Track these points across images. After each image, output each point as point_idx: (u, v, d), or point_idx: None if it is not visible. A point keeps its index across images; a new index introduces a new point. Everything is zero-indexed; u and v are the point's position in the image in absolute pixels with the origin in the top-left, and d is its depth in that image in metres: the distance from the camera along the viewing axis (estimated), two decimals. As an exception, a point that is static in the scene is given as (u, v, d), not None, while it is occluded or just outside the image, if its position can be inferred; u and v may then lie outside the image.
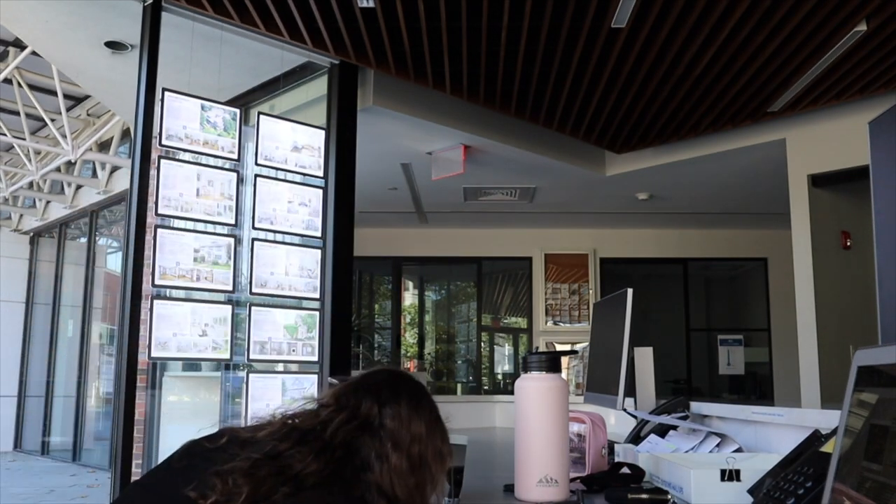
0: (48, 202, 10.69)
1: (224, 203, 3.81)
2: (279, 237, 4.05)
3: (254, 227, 3.95)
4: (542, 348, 8.11)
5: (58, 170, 9.38)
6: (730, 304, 10.04)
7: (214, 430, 1.08)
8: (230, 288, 3.81)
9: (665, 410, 2.20)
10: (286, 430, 1.01)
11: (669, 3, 3.66)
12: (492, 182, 6.75)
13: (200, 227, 3.77)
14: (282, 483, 0.92)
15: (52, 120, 8.11)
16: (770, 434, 1.75)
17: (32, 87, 7.71)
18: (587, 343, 3.13)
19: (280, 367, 4.13)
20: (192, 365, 5.11)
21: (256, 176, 3.98)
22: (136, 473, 3.75)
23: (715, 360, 9.01)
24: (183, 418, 5.29)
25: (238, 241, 3.88)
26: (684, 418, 2.12)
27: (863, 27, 3.84)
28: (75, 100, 8.44)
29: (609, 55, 4.24)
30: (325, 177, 4.22)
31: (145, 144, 3.66)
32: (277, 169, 4.05)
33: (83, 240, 10.44)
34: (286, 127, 4.12)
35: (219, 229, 3.80)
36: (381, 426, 1.02)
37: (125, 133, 8.22)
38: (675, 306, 9.12)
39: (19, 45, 6.92)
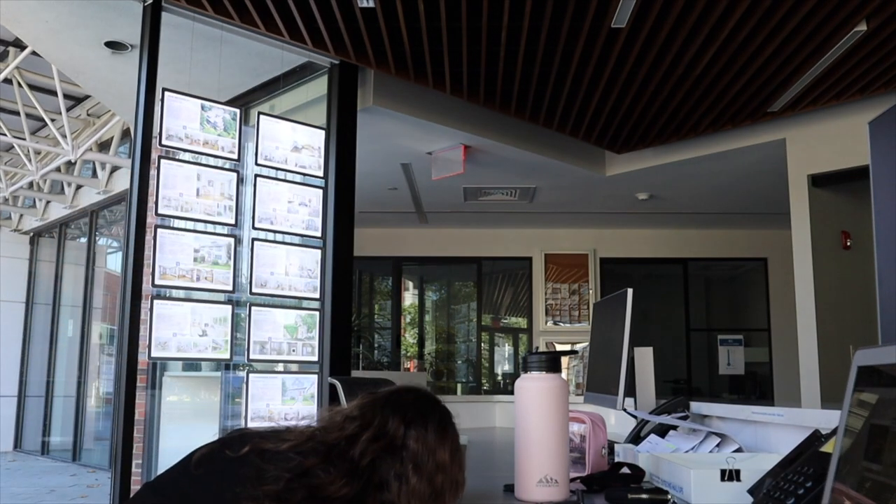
0: (48, 202, 10.69)
1: (224, 203, 3.81)
2: (279, 237, 4.05)
3: (254, 227, 3.95)
4: (542, 348, 8.11)
5: (58, 170, 9.38)
6: (730, 304, 10.04)
7: (230, 428, 1.07)
8: (230, 288, 3.81)
9: (665, 410, 2.20)
10: (311, 443, 0.99)
11: (669, 3, 3.66)
12: (492, 182, 6.75)
13: (200, 227, 3.77)
14: None
15: (52, 120, 8.11)
16: (770, 434, 1.74)
17: (32, 87, 7.71)
18: (587, 343, 3.13)
19: (280, 367, 4.13)
20: (192, 365, 5.11)
21: (256, 176, 3.97)
22: (136, 473, 3.75)
23: (715, 360, 9.01)
24: (183, 418, 5.29)
25: (238, 241, 3.88)
26: (684, 418, 2.12)
27: (863, 27, 3.84)
28: (75, 100, 8.44)
29: (609, 55, 4.23)
30: (325, 177, 4.22)
31: (145, 144, 3.66)
32: (277, 169, 4.05)
33: (83, 240, 10.44)
34: (286, 127, 4.12)
35: (219, 229, 3.80)
36: (403, 447, 1.01)
37: (125, 133, 8.21)
38: (675, 306, 9.12)
39: (19, 45, 6.92)
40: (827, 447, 1.11)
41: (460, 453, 1.10)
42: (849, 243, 5.32)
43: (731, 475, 1.29)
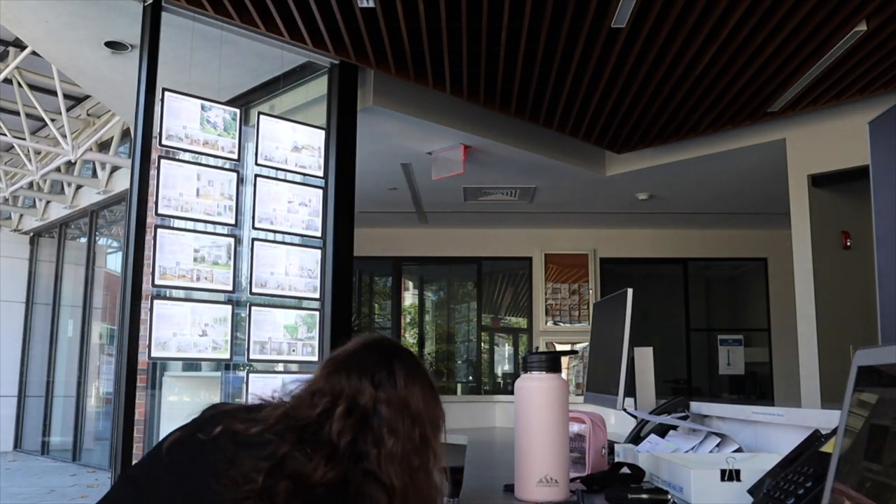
0: (48, 202, 10.69)
1: (224, 203, 3.81)
2: (279, 237, 4.05)
3: (254, 227, 3.95)
4: (542, 348, 8.11)
5: (58, 170, 9.38)
6: (730, 304, 10.04)
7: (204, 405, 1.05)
8: (230, 288, 3.81)
9: (665, 410, 2.20)
10: (282, 425, 0.96)
11: (669, 3, 3.66)
12: (492, 182, 6.74)
13: (200, 227, 3.77)
14: (297, 498, 0.89)
15: (52, 120, 8.11)
16: (770, 434, 1.75)
17: (32, 87, 7.71)
18: (587, 343, 3.13)
19: (280, 367, 4.13)
20: (192, 365, 5.11)
21: (256, 176, 3.98)
22: (136, 473, 3.74)
23: (715, 360, 9.01)
24: (183, 418, 5.29)
25: (238, 241, 3.88)
26: (684, 418, 2.12)
27: (863, 27, 3.84)
28: (75, 100, 8.44)
29: (609, 55, 4.23)
30: (325, 177, 4.22)
31: (145, 144, 3.67)
32: (277, 169, 4.05)
33: (83, 240, 10.44)
34: (286, 127, 4.12)
35: (219, 229, 3.80)
36: (376, 414, 0.98)
37: (125, 133, 8.21)
38: (675, 306, 9.12)
39: (19, 45, 6.92)
40: (827, 447, 1.11)
41: (433, 389, 1.07)
42: (849, 243, 5.32)
43: (731, 475, 1.29)
